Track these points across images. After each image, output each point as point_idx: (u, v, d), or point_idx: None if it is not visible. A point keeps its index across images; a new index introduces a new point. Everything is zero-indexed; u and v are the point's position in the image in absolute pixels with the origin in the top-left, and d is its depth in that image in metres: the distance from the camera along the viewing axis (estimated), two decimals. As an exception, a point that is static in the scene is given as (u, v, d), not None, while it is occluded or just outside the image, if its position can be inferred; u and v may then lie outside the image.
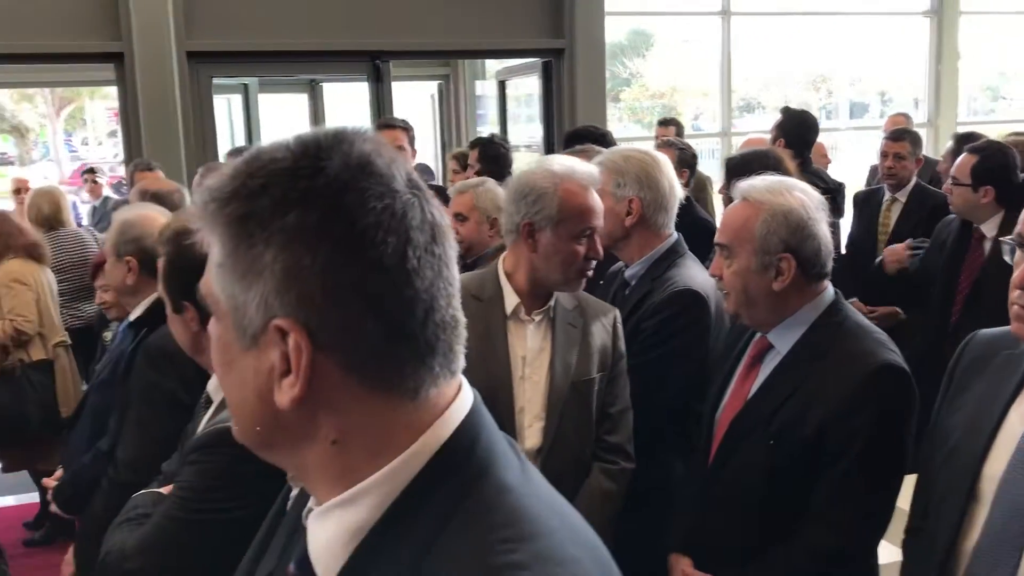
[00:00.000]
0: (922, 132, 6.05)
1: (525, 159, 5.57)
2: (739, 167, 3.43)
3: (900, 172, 4.51)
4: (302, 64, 5.82)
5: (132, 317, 2.78)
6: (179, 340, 1.91)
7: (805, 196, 2.00)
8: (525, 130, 6.91)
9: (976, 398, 1.78)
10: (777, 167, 2.89)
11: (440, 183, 6.49)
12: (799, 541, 1.92)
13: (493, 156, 4.39)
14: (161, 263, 1.86)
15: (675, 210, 2.69)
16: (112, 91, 21.95)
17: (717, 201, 4.75)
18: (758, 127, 7.65)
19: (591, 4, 5.94)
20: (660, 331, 2.50)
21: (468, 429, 0.85)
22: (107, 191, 7.70)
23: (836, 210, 4.26)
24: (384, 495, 0.82)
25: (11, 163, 25.51)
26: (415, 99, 8.74)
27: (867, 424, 1.86)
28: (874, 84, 12.16)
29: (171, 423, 2.11)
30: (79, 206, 9.87)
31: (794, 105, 5.01)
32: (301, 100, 7.81)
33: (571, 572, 0.79)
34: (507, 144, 4.59)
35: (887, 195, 4.59)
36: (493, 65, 8.04)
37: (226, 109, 6.61)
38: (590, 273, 2.30)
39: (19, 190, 7.03)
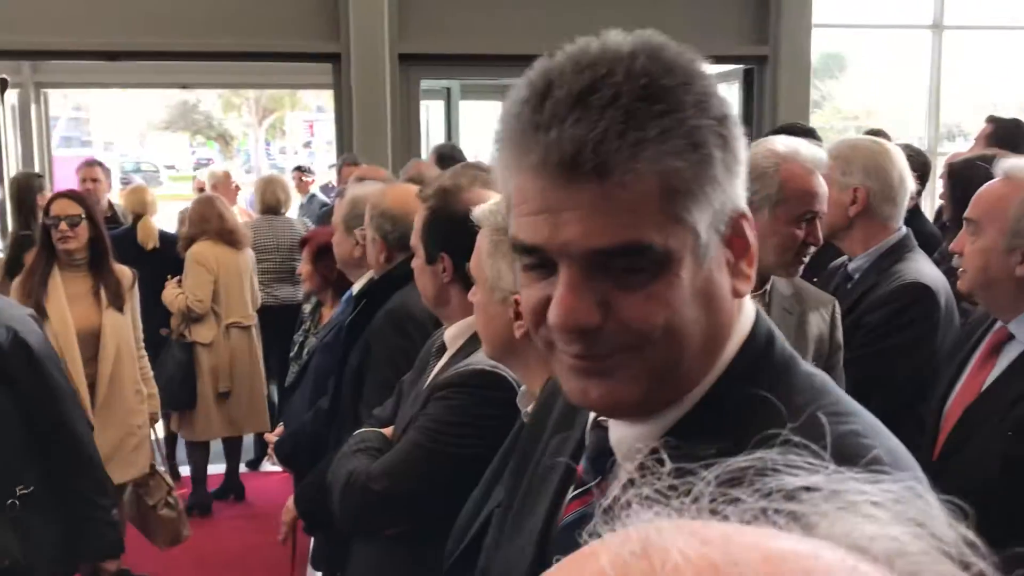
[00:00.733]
0: None
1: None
2: (963, 169, 3.27)
3: None
4: (506, 68, 5.96)
5: (355, 289, 2.95)
6: (424, 291, 1.99)
7: None
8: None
9: None
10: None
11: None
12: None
13: None
14: (422, 214, 1.95)
15: (905, 204, 2.58)
16: (310, 102, 23.04)
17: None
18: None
19: (798, 13, 5.81)
20: (884, 326, 2.40)
21: (764, 324, 0.86)
22: (314, 189, 8.13)
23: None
24: (697, 389, 0.83)
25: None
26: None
27: None
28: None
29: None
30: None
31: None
32: (494, 108, 8.02)
33: (893, 445, 0.79)
34: None
35: None
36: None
37: (425, 114, 6.87)
38: (806, 259, 2.24)
39: (202, 188, 7.53)
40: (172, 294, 5.13)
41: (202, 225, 5.20)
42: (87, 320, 3.59)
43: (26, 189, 5.10)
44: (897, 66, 10.16)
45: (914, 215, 3.30)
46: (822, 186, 2.18)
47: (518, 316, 1.44)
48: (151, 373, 4.00)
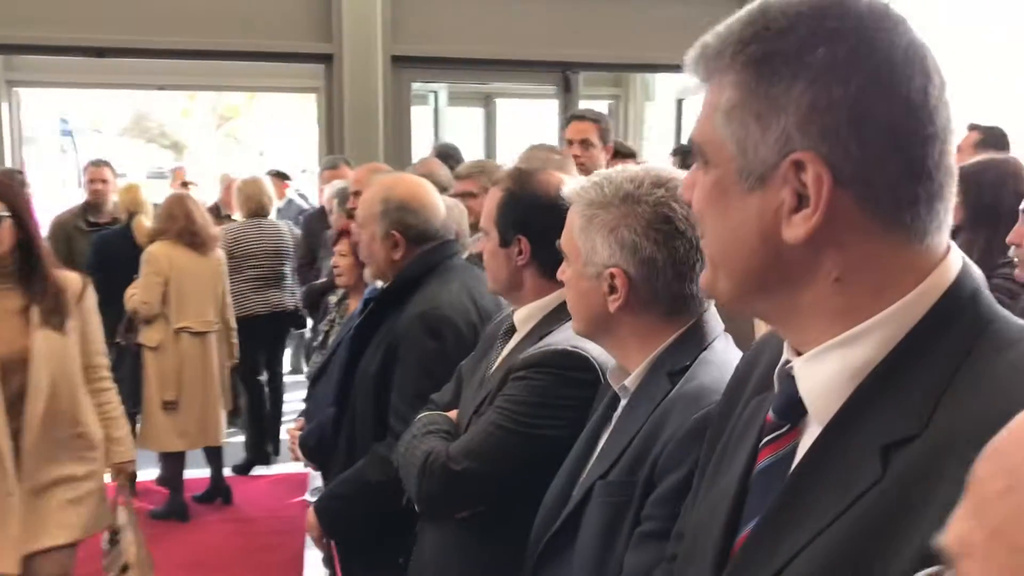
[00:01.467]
0: None
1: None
2: (974, 173, 3.35)
3: None
4: (496, 72, 6.01)
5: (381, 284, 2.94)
6: (495, 275, 1.99)
7: None
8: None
9: None
10: None
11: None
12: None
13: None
14: (498, 197, 1.96)
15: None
16: (268, 111, 22.75)
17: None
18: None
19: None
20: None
21: (968, 279, 0.85)
22: (291, 194, 8.07)
23: None
24: (891, 333, 0.82)
25: (165, 177, 26.96)
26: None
27: None
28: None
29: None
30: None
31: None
32: (478, 114, 8.06)
33: None
34: None
35: None
36: (665, 87, 8.09)
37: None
38: None
39: (186, 183, 7.44)
40: (128, 294, 5.02)
41: (167, 223, 5.07)
42: (9, 344, 2.68)
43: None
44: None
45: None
46: None
47: (612, 290, 1.46)
48: (118, 411, 3.07)
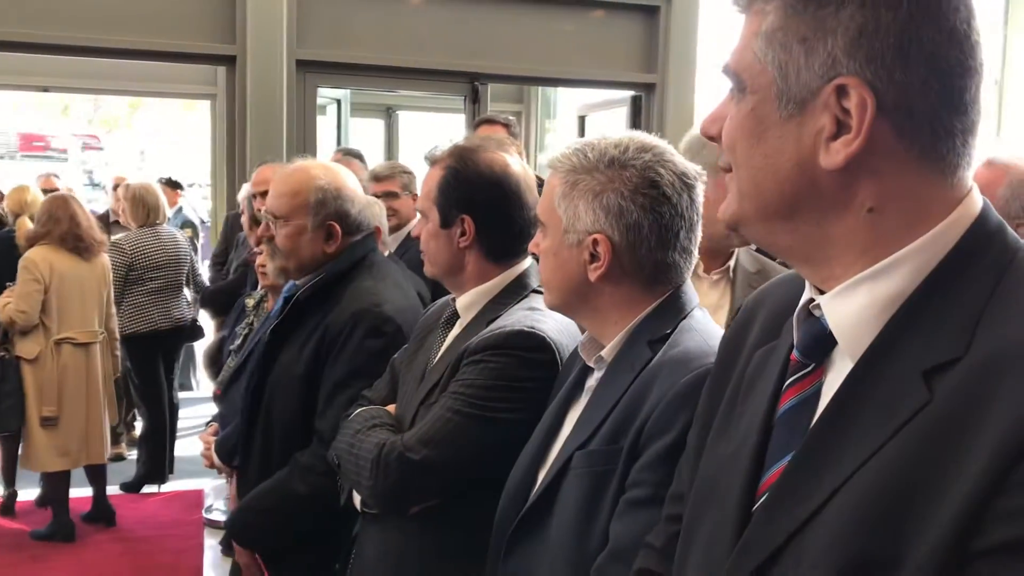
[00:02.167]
0: None
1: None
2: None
3: None
4: (404, 80, 5.94)
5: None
6: (434, 258, 1.92)
7: None
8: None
9: None
10: None
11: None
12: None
13: None
14: (438, 176, 1.90)
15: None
16: (149, 119, 21.97)
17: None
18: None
19: (684, 40, 6.09)
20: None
21: (991, 213, 0.87)
22: (182, 203, 7.78)
23: None
24: (922, 264, 0.83)
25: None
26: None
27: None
28: None
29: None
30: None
31: None
32: (379, 125, 7.98)
33: None
34: None
35: None
36: (566, 104, 8.19)
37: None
38: None
39: (117, 186, 7.12)
40: (2, 302, 4.69)
41: (49, 226, 4.75)
42: None
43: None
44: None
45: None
46: None
47: (594, 258, 1.43)
48: None
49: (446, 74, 5.88)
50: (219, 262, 5.23)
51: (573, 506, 1.35)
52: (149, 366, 5.64)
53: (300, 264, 2.41)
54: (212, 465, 2.87)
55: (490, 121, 4.18)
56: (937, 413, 0.75)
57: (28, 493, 5.49)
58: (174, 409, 5.92)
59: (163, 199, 5.69)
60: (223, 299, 4.33)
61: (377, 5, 5.64)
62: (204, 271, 6.23)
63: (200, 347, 7.59)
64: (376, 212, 3.43)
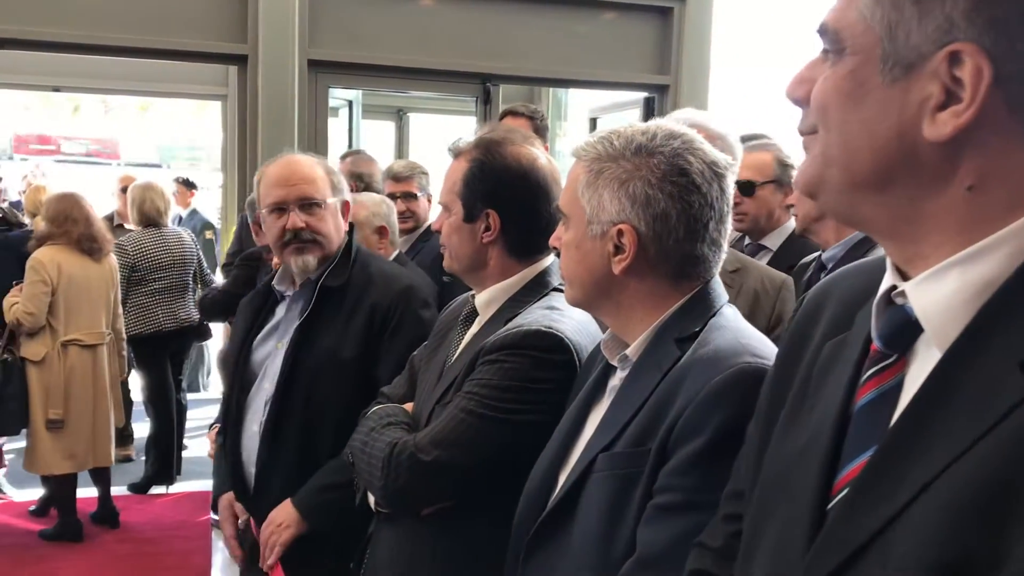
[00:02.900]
0: None
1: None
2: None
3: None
4: (416, 81, 5.90)
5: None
6: (457, 253, 1.88)
7: None
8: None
9: None
10: None
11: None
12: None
13: None
14: (463, 168, 1.85)
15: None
16: (158, 122, 21.95)
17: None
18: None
19: (698, 41, 6.04)
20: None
21: None
22: (195, 203, 7.76)
23: None
24: (1020, 248, 0.78)
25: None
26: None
27: None
28: None
29: None
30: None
31: None
32: (389, 127, 7.95)
33: None
34: None
35: None
36: (577, 105, 8.14)
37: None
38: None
39: (125, 188, 7.09)
40: (9, 303, 4.62)
41: (67, 226, 4.70)
42: None
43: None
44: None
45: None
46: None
47: (618, 250, 1.38)
48: None
49: (458, 75, 5.84)
50: (232, 263, 5.19)
51: (596, 510, 1.31)
52: (155, 367, 5.62)
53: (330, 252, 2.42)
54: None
55: (514, 113, 4.09)
56: None
57: (28, 494, 5.48)
58: (182, 410, 5.89)
59: (169, 199, 5.66)
60: (222, 307, 4.27)
61: (389, 5, 5.60)
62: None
63: (210, 348, 7.59)
64: (383, 211, 3.39)
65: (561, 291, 1.84)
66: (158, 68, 6.90)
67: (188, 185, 7.63)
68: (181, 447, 5.93)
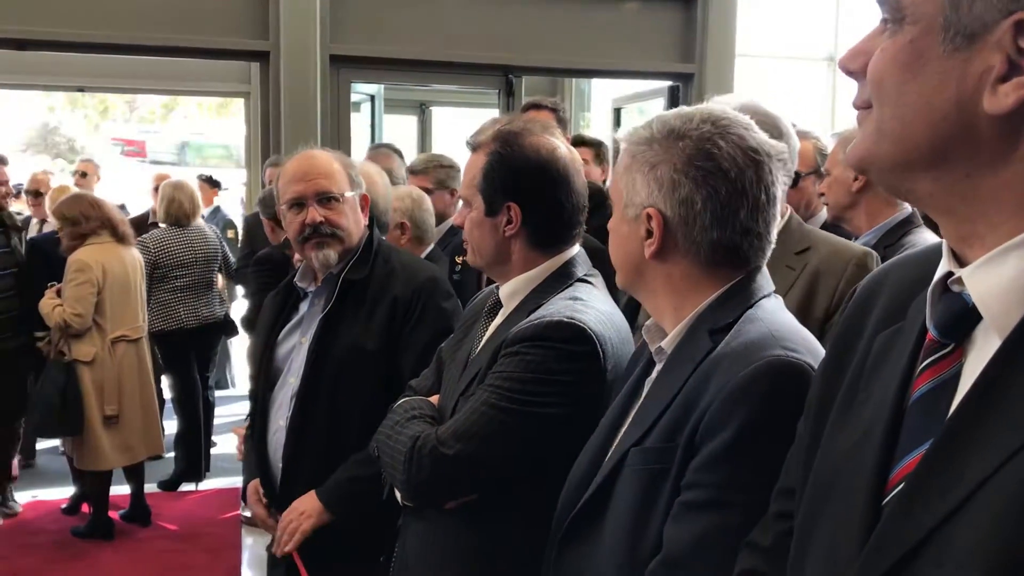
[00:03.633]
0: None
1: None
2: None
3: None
4: (438, 74, 5.88)
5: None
6: (479, 247, 1.86)
7: None
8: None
9: None
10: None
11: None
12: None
13: None
14: (482, 161, 1.82)
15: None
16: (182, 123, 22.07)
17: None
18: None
19: (723, 29, 5.97)
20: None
21: None
22: (218, 201, 7.79)
23: None
24: None
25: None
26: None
27: None
28: None
29: None
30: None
31: None
32: (412, 121, 7.95)
33: None
34: None
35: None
36: (601, 96, 8.10)
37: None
38: None
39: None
40: (49, 305, 4.62)
41: (86, 224, 4.73)
42: None
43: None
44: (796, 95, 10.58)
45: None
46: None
47: (649, 234, 1.35)
48: None
49: (480, 67, 5.82)
50: (246, 266, 5.20)
51: (626, 506, 1.27)
52: (180, 365, 5.63)
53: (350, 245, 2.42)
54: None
55: (537, 106, 4.06)
56: None
57: (60, 492, 5.52)
58: (209, 407, 5.91)
59: (195, 200, 5.67)
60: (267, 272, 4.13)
61: (410, -1, 5.58)
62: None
63: (237, 344, 7.62)
64: (404, 207, 3.37)
65: (586, 281, 1.81)
66: (182, 66, 6.93)
67: (212, 183, 7.65)
68: (209, 444, 5.95)
